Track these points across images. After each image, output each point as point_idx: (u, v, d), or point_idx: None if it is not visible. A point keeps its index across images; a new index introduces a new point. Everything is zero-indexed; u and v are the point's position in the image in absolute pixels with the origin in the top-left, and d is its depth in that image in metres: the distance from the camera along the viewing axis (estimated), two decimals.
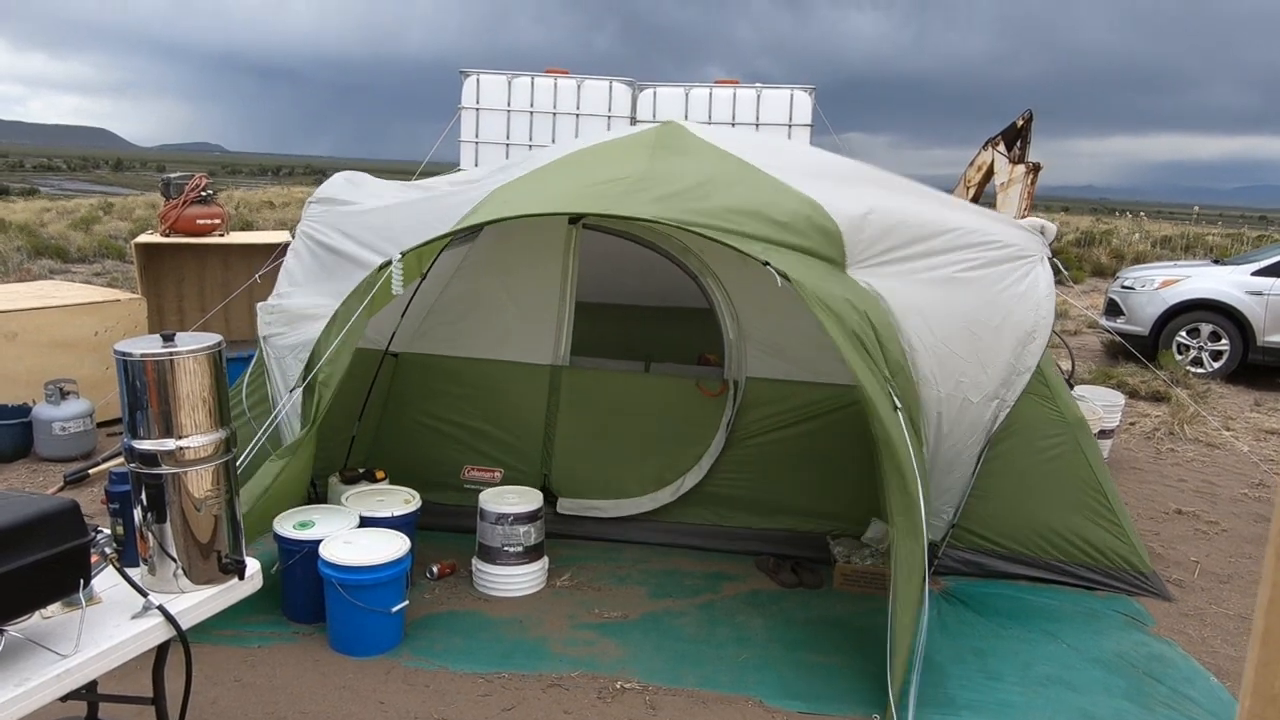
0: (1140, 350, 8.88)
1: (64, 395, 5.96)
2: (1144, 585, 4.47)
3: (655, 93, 9.20)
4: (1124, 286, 10.38)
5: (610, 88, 9.17)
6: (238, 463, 2.67)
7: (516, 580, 4.28)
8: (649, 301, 6.21)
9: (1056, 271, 4.43)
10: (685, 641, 3.92)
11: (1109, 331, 10.10)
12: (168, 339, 2.46)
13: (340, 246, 4.65)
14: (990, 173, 9.55)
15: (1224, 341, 9.52)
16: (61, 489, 5.40)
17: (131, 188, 47.89)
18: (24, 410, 5.94)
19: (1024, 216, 8.40)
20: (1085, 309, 11.13)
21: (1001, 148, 9.46)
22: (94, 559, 2.38)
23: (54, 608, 2.28)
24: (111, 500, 2.58)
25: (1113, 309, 10.41)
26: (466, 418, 5.07)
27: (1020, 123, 9.56)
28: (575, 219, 4.97)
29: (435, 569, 4.41)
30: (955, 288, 4.16)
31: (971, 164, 9.89)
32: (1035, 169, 9.35)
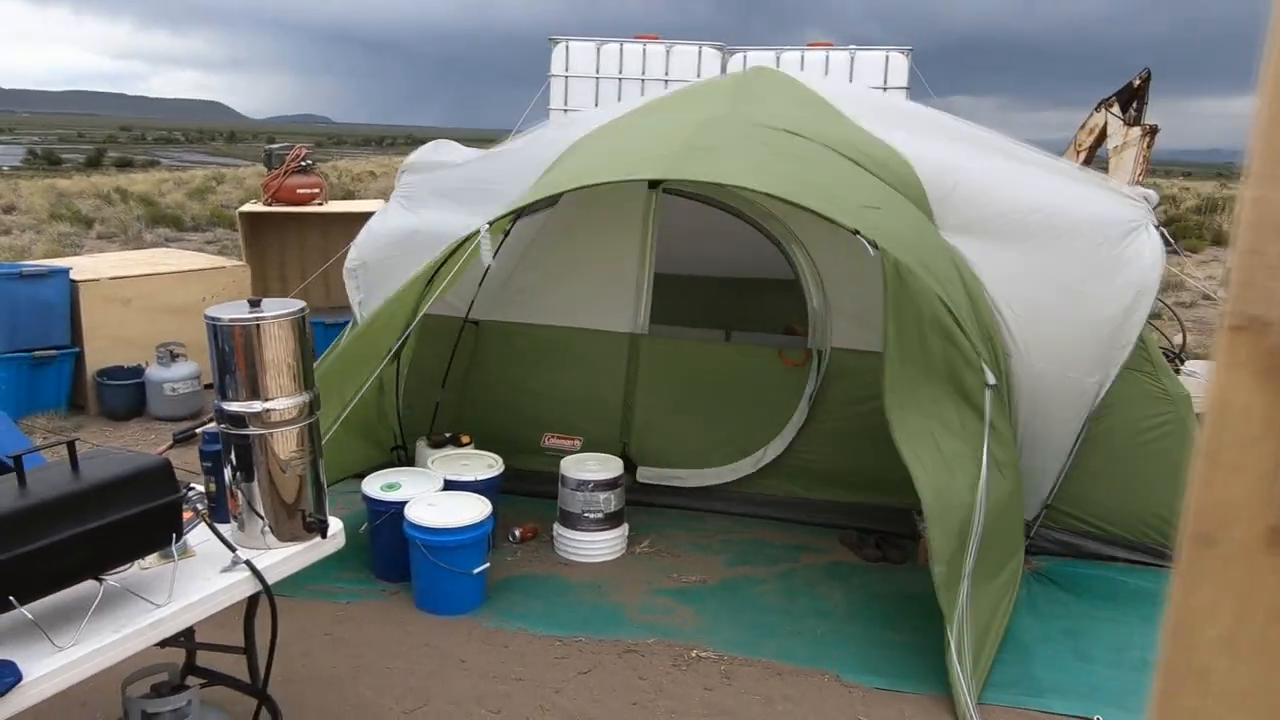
0: None
1: (174, 358, 6.27)
2: None
3: (745, 56, 9.03)
4: None
5: (700, 53, 9.04)
6: (326, 429, 2.75)
7: (596, 546, 4.32)
8: (731, 273, 6.12)
9: (1165, 241, 4.18)
10: (763, 611, 3.90)
11: None
12: (254, 305, 2.54)
13: (430, 210, 4.74)
14: (1103, 136, 9.07)
15: None
16: (170, 447, 5.69)
17: (244, 159, 49.87)
18: (137, 372, 6.27)
19: (1138, 183, 7.97)
20: (1203, 280, 10.54)
21: (1116, 109, 8.97)
22: (187, 515, 2.50)
23: (150, 559, 2.40)
24: (204, 459, 2.70)
25: None
26: (546, 385, 5.11)
27: (1137, 82, 9.04)
28: (655, 183, 4.93)
29: (518, 532, 4.48)
30: (1050, 255, 3.97)
31: (1083, 127, 9.40)
32: (1152, 131, 8.84)
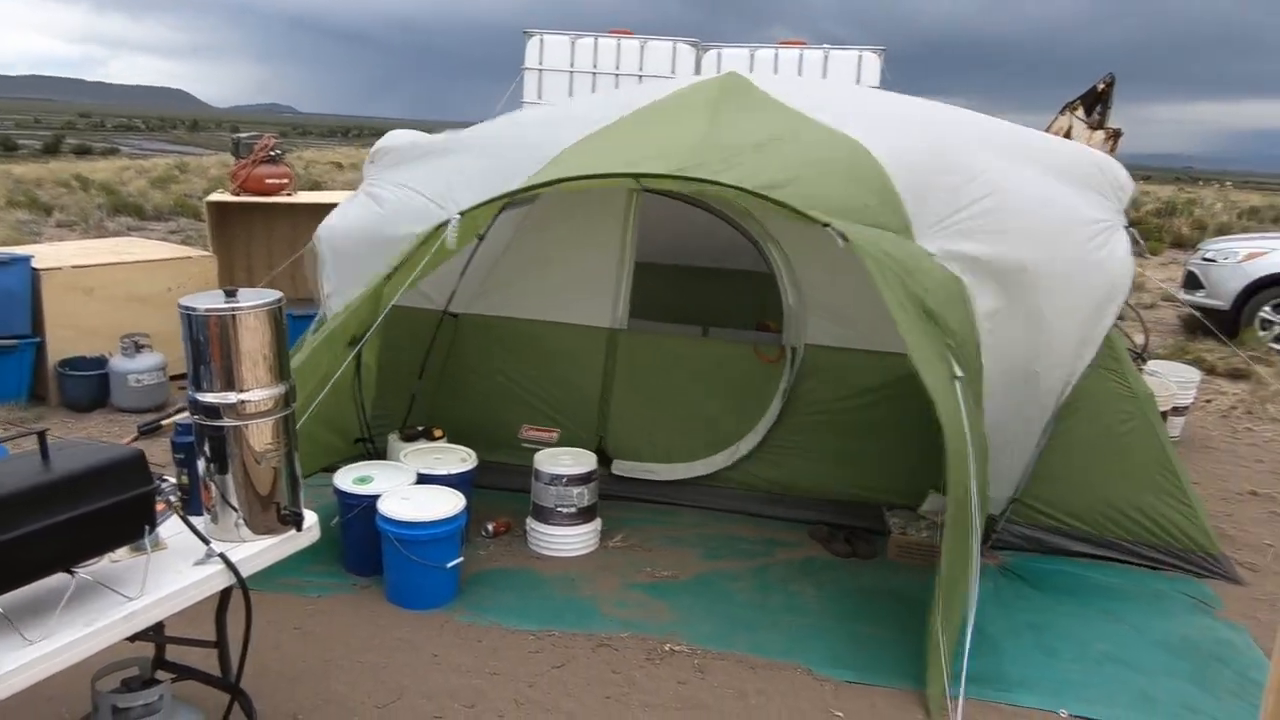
0: (1220, 326, 8.52)
1: (138, 349, 6.17)
2: (1213, 567, 4.33)
3: (719, 54, 9.04)
4: (1205, 259, 9.95)
5: (674, 49, 9.04)
6: (298, 421, 2.72)
7: (569, 540, 4.32)
8: (708, 264, 6.15)
9: (1134, 241, 4.26)
10: (736, 606, 3.93)
11: (1187, 305, 9.73)
12: (230, 295, 2.50)
13: (397, 203, 4.69)
14: (1068, 138, 9.21)
15: None
16: (135, 439, 5.58)
17: (206, 148, 49.10)
18: (101, 362, 6.17)
19: None
20: (1163, 281, 10.74)
21: (1080, 113, 9.11)
22: (160, 507, 2.46)
23: (122, 552, 2.37)
24: (177, 451, 2.66)
25: (1192, 282, 10.00)
26: (524, 378, 5.11)
27: (1101, 87, 9.20)
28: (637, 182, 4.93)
29: (490, 527, 4.47)
30: (1025, 254, 4.03)
31: (1048, 129, 9.55)
32: (1115, 135, 9.00)
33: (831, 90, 5.87)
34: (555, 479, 4.31)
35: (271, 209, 7.99)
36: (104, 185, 18.24)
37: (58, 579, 2.15)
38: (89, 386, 6.13)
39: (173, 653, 2.74)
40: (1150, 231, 16.77)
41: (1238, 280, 9.40)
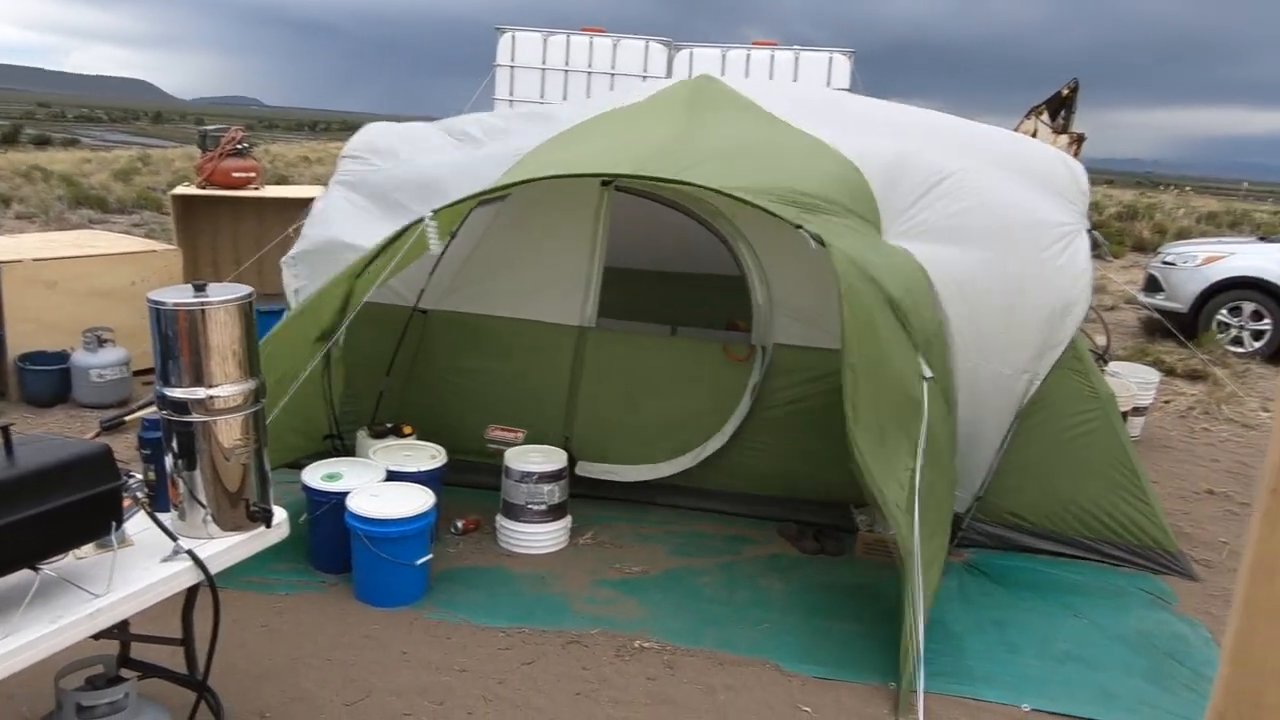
0: (1179, 328, 8.71)
1: (101, 343, 6.07)
2: (1170, 564, 4.43)
3: (691, 54, 9.09)
4: (1165, 262, 10.16)
5: (646, 47, 9.07)
6: (266, 417, 2.70)
7: (539, 537, 4.32)
8: (679, 268, 6.18)
9: (1095, 245, 4.35)
10: (705, 602, 3.95)
11: (1147, 308, 9.92)
12: (199, 289, 2.48)
13: (372, 201, 4.66)
14: None
15: (1266, 321, 9.32)
16: (98, 435, 5.50)
17: (170, 140, 48.34)
18: (63, 357, 6.06)
19: None
20: (1124, 284, 10.94)
21: (1045, 117, 9.28)
22: (126, 503, 2.43)
23: (87, 549, 2.34)
24: (144, 446, 2.63)
25: (1152, 285, 10.20)
26: (492, 376, 5.10)
27: (1065, 92, 9.36)
28: (607, 181, 4.95)
29: (460, 524, 4.46)
30: (991, 257, 4.10)
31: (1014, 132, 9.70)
32: (1079, 139, 9.17)
33: (803, 93, 5.92)
34: (525, 476, 4.31)
35: (238, 203, 7.90)
36: (65, 177, 17.90)
37: (21, 575, 2.12)
38: (50, 381, 6.03)
39: (139, 650, 2.72)
40: (1112, 235, 17.05)
41: (1196, 283, 9.61)
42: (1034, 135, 9.31)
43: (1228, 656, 0.53)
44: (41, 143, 42.42)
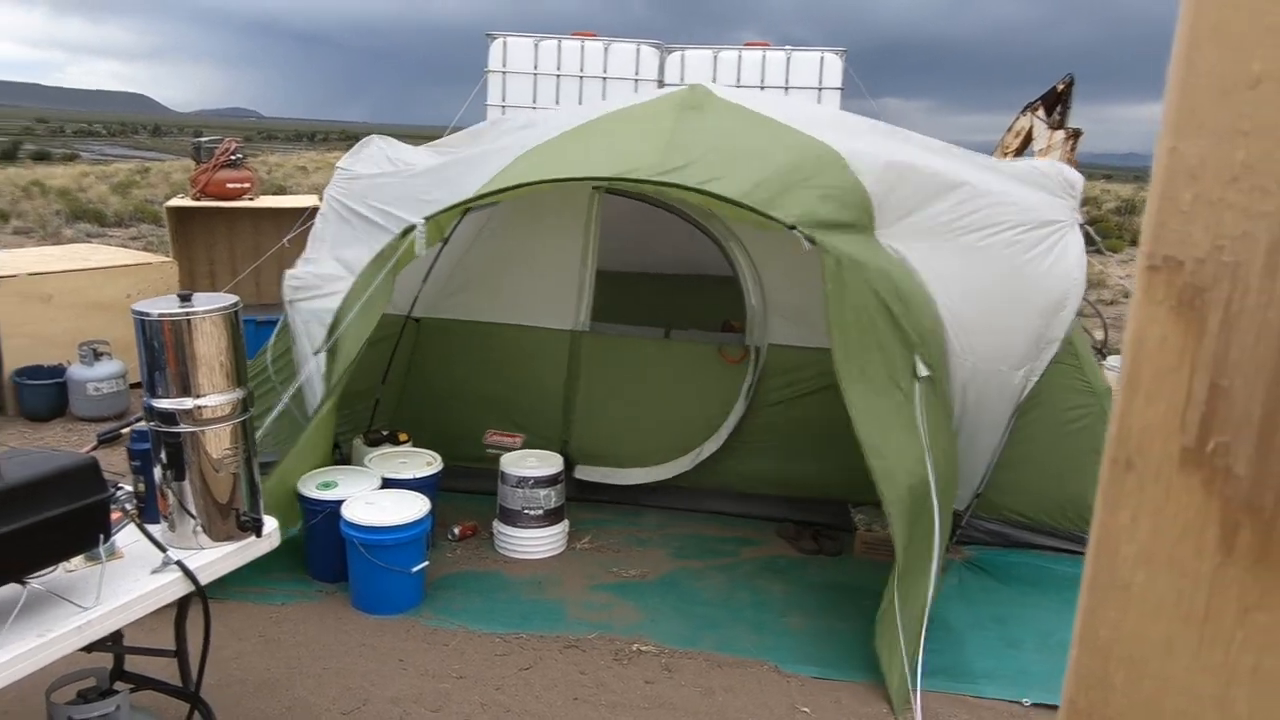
0: None
1: (98, 356, 6.07)
2: None
3: (683, 55, 9.07)
4: None
5: (638, 50, 9.05)
6: (261, 425, 2.70)
7: (536, 542, 4.31)
8: (671, 270, 6.16)
9: (1089, 240, 4.33)
10: (703, 605, 3.94)
11: None
12: (185, 299, 2.48)
13: (367, 213, 4.65)
14: (1029, 139, 9.34)
15: None
16: (95, 448, 5.50)
17: (169, 152, 48.44)
18: (59, 371, 6.06)
19: None
20: (1122, 278, 10.91)
21: (1041, 113, 9.25)
22: (116, 515, 2.42)
23: (76, 561, 2.33)
24: (133, 458, 2.62)
25: None
26: (487, 382, 5.09)
27: (1061, 87, 9.34)
28: (599, 185, 4.94)
29: (456, 530, 4.45)
30: (983, 256, 4.09)
31: (1010, 129, 9.67)
32: (1075, 135, 9.14)
33: (793, 103, 5.92)
34: (522, 481, 4.30)
35: (234, 214, 7.90)
36: (62, 191, 17.93)
37: (9, 589, 2.12)
38: (47, 396, 6.03)
39: (131, 663, 2.71)
40: (1110, 230, 17.04)
41: None
42: (1030, 131, 9.31)
43: (1076, 639, 0.53)
44: (41, 158, 42.54)
